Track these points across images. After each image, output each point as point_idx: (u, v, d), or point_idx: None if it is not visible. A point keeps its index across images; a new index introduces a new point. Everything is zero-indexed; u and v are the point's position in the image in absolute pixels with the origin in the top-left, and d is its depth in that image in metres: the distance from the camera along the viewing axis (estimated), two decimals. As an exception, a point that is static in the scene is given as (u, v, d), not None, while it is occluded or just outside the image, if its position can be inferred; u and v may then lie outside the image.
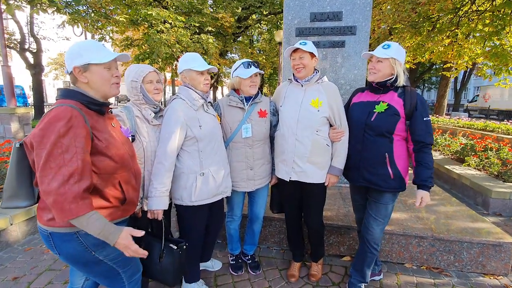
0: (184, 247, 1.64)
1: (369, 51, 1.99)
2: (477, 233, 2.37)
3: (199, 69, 1.71)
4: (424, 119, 1.70)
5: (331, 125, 1.93)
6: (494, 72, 5.57)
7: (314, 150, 1.88)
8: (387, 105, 1.73)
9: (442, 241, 2.35)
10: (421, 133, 1.69)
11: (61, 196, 1.04)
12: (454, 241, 2.33)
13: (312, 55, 1.85)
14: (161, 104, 1.92)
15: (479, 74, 8.22)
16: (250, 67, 1.86)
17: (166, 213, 1.86)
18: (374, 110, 1.77)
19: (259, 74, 1.91)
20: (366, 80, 3.40)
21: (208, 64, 1.79)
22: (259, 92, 2.01)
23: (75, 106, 1.13)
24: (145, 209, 1.66)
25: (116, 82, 1.27)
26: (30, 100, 17.45)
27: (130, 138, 1.54)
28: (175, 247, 1.60)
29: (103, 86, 1.23)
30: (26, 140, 1.14)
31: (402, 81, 1.74)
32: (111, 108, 1.37)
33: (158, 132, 1.69)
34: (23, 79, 19.63)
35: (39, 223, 1.21)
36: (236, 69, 1.91)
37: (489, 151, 4.87)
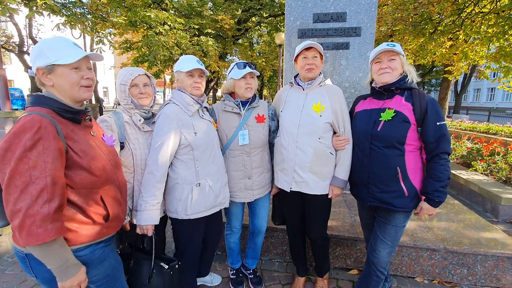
0: (177, 266, 1.51)
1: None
2: (492, 245, 2.24)
3: (184, 70, 1.59)
4: (438, 123, 1.49)
5: (335, 132, 1.80)
6: (503, 74, 5.43)
7: (316, 159, 1.74)
8: (394, 112, 1.55)
9: (456, 254, 2.20)
10: (434, 140, 1.49)
11: (29, 219, 0.92)
12: (468, 253, 2.19)
13: (321, 57, 1.76)
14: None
15: (481, 77, 8.11)
16: (245, 67, 1.73)
17: (160, 226, 1.72)
18: (380, 119, 1.59)
19: (255, 75, 1.78)
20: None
21: (207, 67, 1.65)
22: (256, 96, 1.89)
23: (46, 115, 1.00)
24: (135, 222, 1.53)
25: (87, 85, 1.11)
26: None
27: (114, 146, 1.41)
28: (166, 267, 1.47)
29: (71, 90, 1.08)
30: None
31: (414, 77, 1.58)
32: (89, 116, 1.23)
33: (150, 139, 1.57)
34: (23, 82, 19.54)
35: (14, 244, 1.10)
36: (230, 71, 1.80)
37: (496, 156, 4.73)
